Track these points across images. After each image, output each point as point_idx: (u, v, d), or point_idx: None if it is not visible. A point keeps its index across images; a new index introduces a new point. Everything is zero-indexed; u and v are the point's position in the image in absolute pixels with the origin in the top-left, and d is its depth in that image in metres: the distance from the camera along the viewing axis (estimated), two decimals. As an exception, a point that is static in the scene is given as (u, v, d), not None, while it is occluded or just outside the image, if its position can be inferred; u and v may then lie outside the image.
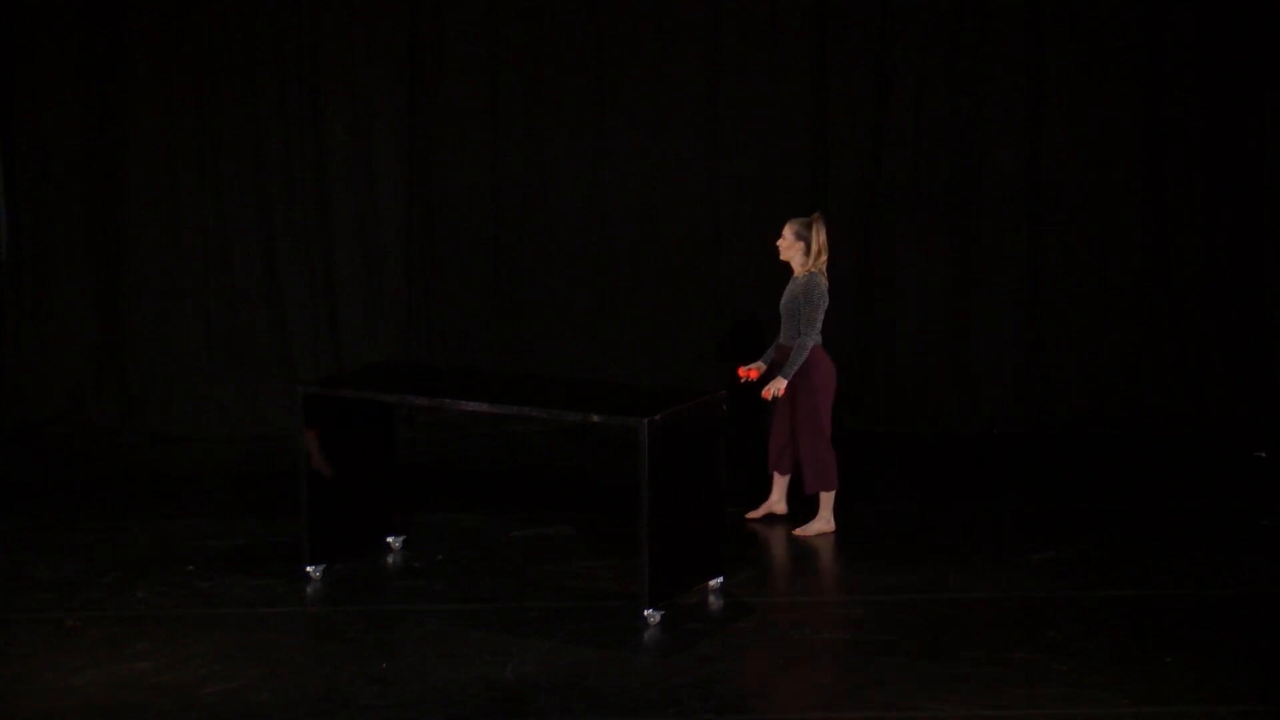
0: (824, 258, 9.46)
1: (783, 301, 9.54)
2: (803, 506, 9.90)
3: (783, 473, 9.80)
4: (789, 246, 9.50)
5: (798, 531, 9.66)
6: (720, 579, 8.78)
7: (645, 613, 8.30)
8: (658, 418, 8.19)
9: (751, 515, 9.84)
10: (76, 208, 11.87)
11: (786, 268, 12.10)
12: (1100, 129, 11.82)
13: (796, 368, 9.41)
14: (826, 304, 9.44)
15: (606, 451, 11.40)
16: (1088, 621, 8.27)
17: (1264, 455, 11.12)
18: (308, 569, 9.00)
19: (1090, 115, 11.81)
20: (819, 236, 9.43)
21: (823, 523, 9.66)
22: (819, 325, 9.41)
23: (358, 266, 11.93)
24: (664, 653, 7.99)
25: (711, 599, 8.67)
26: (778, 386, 9.43)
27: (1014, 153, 11.83)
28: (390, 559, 9.32)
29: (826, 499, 9.65)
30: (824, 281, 9.45)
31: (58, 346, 11.96)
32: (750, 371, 9.63)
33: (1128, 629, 8.19)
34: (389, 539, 9.46)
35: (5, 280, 11.94)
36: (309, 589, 8.88)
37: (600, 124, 11.84)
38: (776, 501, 9.88)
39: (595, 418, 8.40)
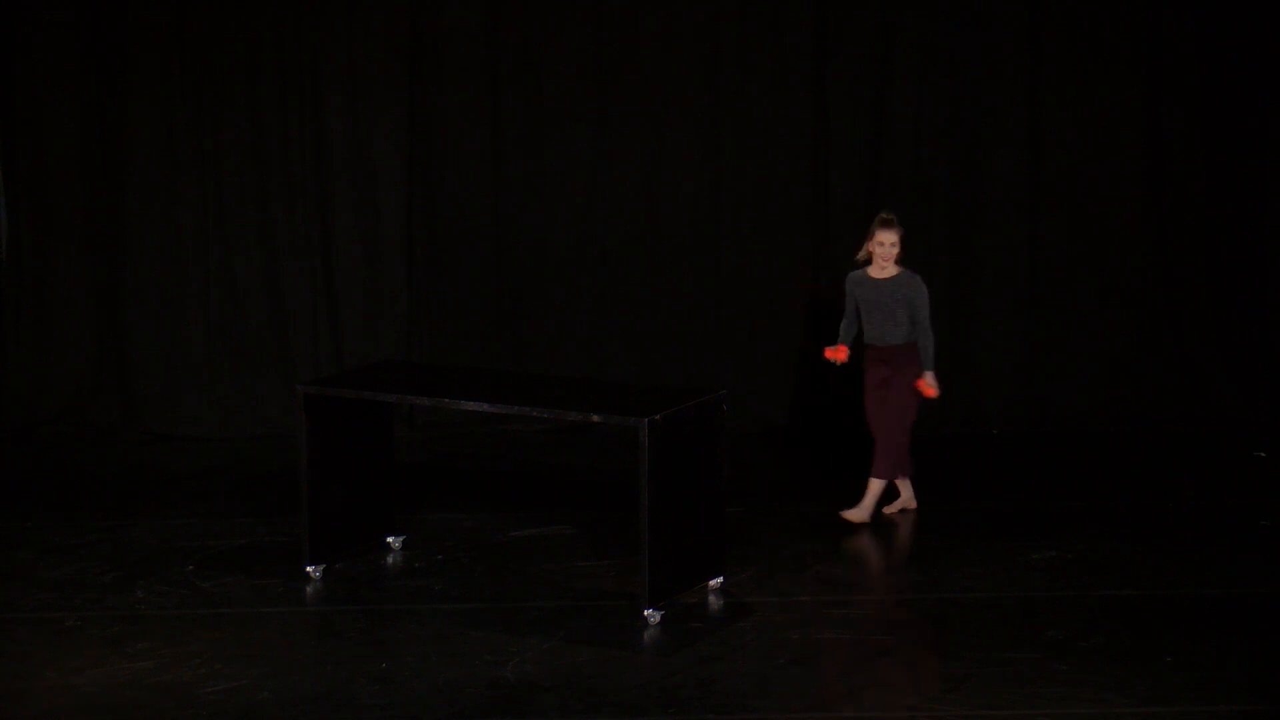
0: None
1: (870, 299, 9.75)
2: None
3: (904, 474, 9.93)
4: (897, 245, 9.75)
5: (849, 515, 9.82)
6: (720, 579, 8.78)
7: (645, 613, 8.31)
8: (658, 418, 8.19)
9: (888, 510, 9.94)
10: (76, 208, 11.86)
11: (782, 267, 12.12)
12: (1100, 129, 11.82)
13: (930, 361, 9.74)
14: None
15: (606, 451, 11.39)
16: (1088, 621, 8.28)
17: (1264, 455, 11.12)
18: (308, 569, 9.00)
19: (1090, 115, 11.80)
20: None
21: (866, 511, 9.80)
22: None
23: (358, 266, 11.92)
24: (664, 652, 8.00)
25: (711, 599, 8.67)
26: (933, 383, 9.72)
27: (1014, 153, 11.83)
28: (390, 559, 9.32)
29: (878, 489, 9.82)
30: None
31: (58, 346, 11.95)
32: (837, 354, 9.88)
33: (1128, 629, 8.19)
34: (389, 539, 9.46)
35: (5, 280, 11.94)
36: (309, 589, 8.88)
37: (600, 124, 11.84)
38: (908, 499, 9.98)
39: (595, 418, 8.41)
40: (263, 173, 11.83)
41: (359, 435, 9.23)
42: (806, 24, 11.74)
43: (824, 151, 11.85)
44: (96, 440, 11.75)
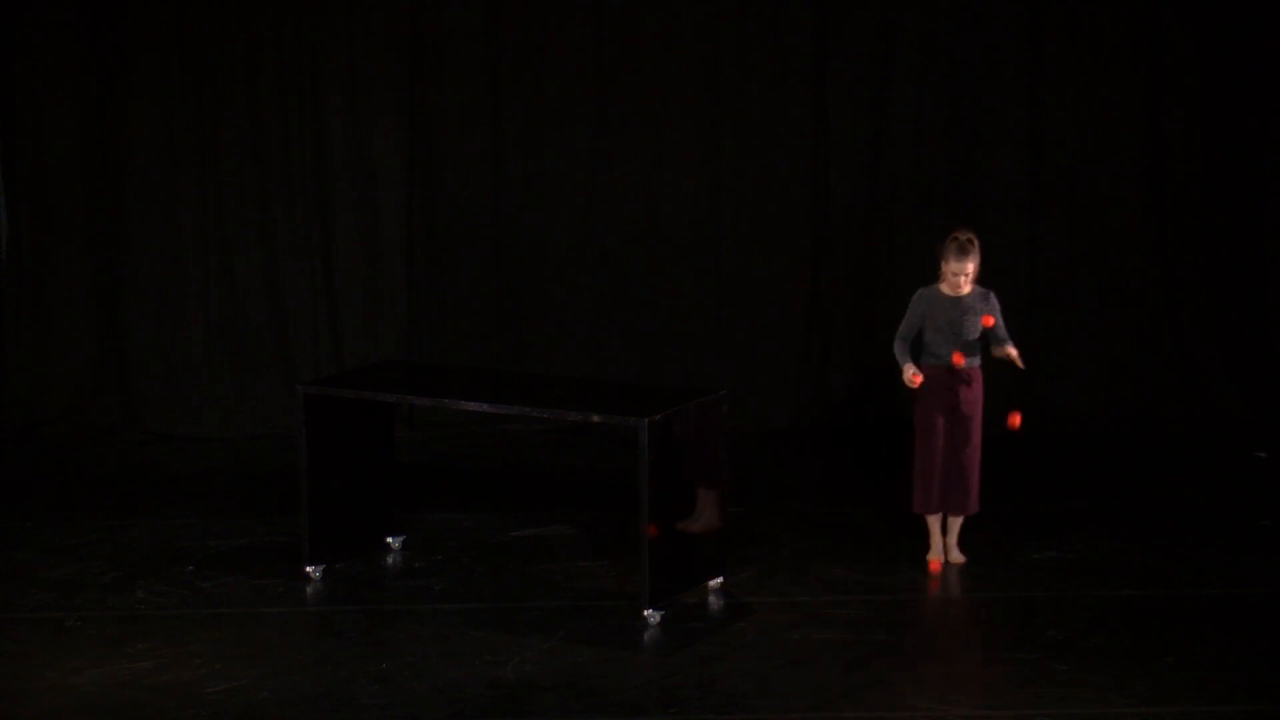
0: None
1: (950, 318, 8.95)
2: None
3: (956, 513, 9.09)
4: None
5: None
6: (720, 579, 8.78)
7: (645, 613, 8.31)
8: (658, 418, 8.19)
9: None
10: (76, 208, 11.86)
11: (782, 267, 12.11)
12: (1100, 129, 11.82)
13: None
14: None
15: (606, 451, 11.39)
16: (1088, 621, 8.28)
17: (1264, 455, 11.11)
18: (308, 569, 9.00)
19: (1090, 115, 11.80)
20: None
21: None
22: None
23: (358, 266, 11.92)
24: (664, 652, 8.00)
25: (711, 599, 8.67)
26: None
27: (1014, 153, 11.83)
28: (390, 559, 9.33)
29: (937, 523, 9.20)
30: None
31: (58, 346, 11.95)
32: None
33: (1128, 629, 8.19)
34: (389, 539, 9.47)
35: (5, 280, 11.94)
36: (309, 589, 8.88)
37: (600, 124, 11.84)
38: (953, 547, 9.15)
39: (595, 418, 8.41)
40: (263, 173, 11.83)
41: (359, 435, 9.23)
42: (806, 24, 11.74)
43: (824, 151, 11.85)
44: (96, 440, 11.74)
